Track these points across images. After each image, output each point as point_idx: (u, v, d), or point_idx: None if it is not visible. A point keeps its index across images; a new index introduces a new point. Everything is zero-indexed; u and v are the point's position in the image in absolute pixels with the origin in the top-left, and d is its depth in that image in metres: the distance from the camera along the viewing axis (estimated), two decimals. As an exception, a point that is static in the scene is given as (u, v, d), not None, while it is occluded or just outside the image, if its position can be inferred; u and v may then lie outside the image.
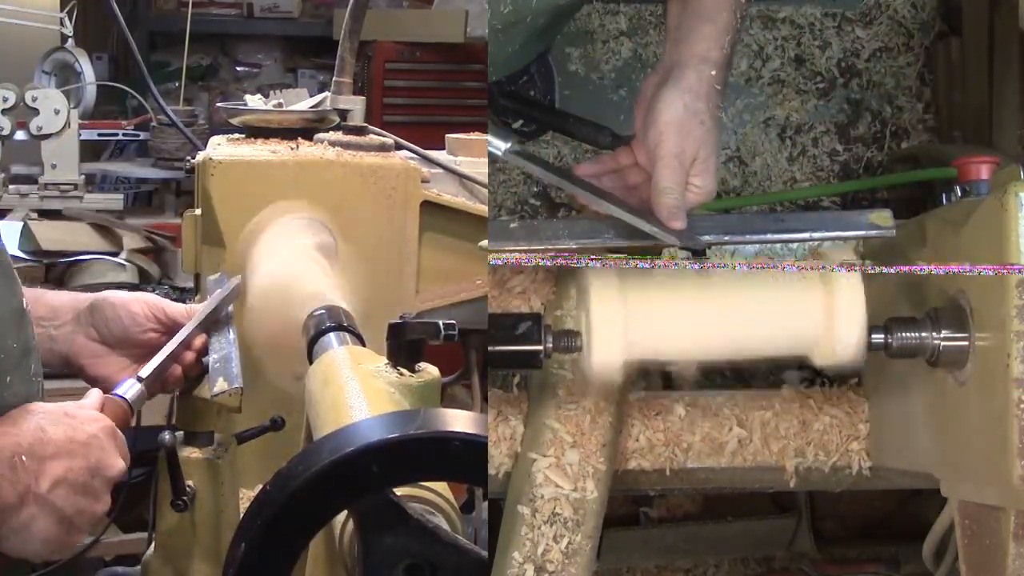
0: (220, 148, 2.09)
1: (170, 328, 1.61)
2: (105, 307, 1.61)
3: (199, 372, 1.61)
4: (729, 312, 1.47)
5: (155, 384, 1.49)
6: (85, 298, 1.63)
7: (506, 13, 1.52)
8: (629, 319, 1.43)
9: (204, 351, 1.59)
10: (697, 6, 1.49)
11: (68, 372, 1.60)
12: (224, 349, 1.52)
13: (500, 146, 1.52)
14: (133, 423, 1.45)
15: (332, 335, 1.60)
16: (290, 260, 1.91)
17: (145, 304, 1.62)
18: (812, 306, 1.45)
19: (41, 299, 1.57)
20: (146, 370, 1.48)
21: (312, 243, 1.97)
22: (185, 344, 1.57)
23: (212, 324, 1.63)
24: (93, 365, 1.59)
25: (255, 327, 1.80)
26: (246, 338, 1.75)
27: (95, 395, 1.41)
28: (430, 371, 1.50)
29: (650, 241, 1.49)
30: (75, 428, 1.28)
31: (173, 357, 1.54)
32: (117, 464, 1.32)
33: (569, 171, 1.53)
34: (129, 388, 1.45)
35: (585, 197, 1.49)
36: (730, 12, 1.48)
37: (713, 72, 1.46)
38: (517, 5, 1.52)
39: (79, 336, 1.60)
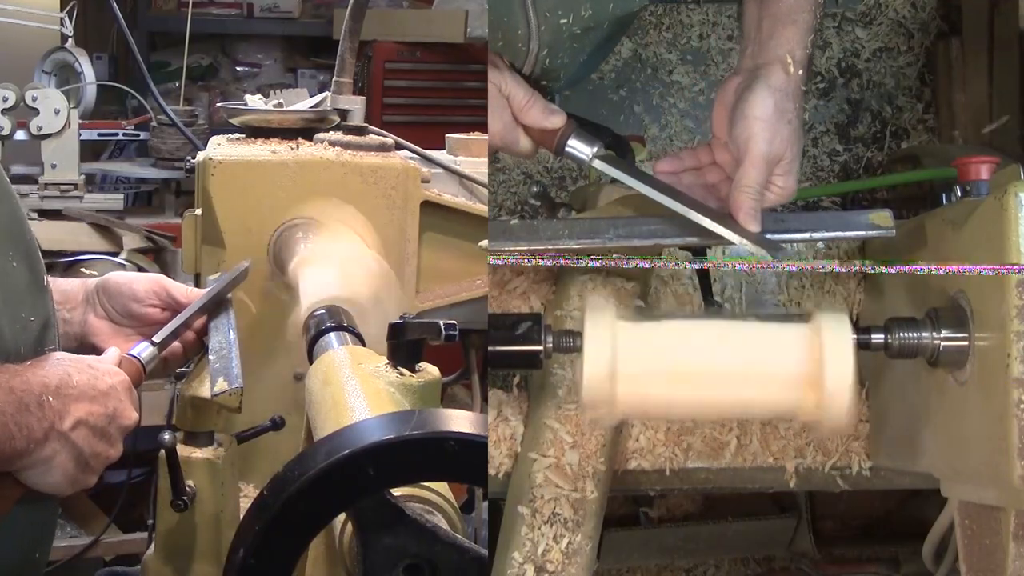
0: (220, 148, 2.09)
1: (172, 306, 1.67)
2: (110, 286, 1.67)
3: (199, 351, 1.64)
4: (718, 381, 1.42)
5: (165, 350, 1.57)
6: (93, 281, 1.69)
7: (586, 17, 1.52)
8: (622, 376, 1.40)
9: (204, 331, 1.63)
10: (777, 8, 1.49)
11: (83, 351, 1.62)
12: (224, 349, 1.52)
13: (587, 152, 1.54)
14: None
15: (332, 335, 1.60)
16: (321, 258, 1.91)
17: (149, 282, 1.68)
18: (800, 375, 1.40)
19: (53, 285, 1.61)
20: (160, 335, 1.56)
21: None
22: (187, 323, 1.62)
23: (214, 307, 1.66)
24: (104, 342, 1.64)
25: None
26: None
27: (114, 353, 1.48)
28: (430, 371, 1.50)
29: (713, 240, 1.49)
30: (96, 377, 1.37)
31: (179, 331, 1.60)
32: (132, 415, 1.41)
33: (650, 175, 1.54)
34: (143, 350, 1.52)
35: (663, 200, 1.50)
36: (810, 12, 1.48)
37: (800, 72, 1.47)
38: (596, 10, 1.51)
39: (90, 316, 1.67)
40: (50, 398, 1.31)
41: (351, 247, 1.98)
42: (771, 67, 1.47)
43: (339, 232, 2.00)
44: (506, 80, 1.53)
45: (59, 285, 1.66)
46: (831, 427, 1.40)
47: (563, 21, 1.52)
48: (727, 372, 1.41)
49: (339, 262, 1.91)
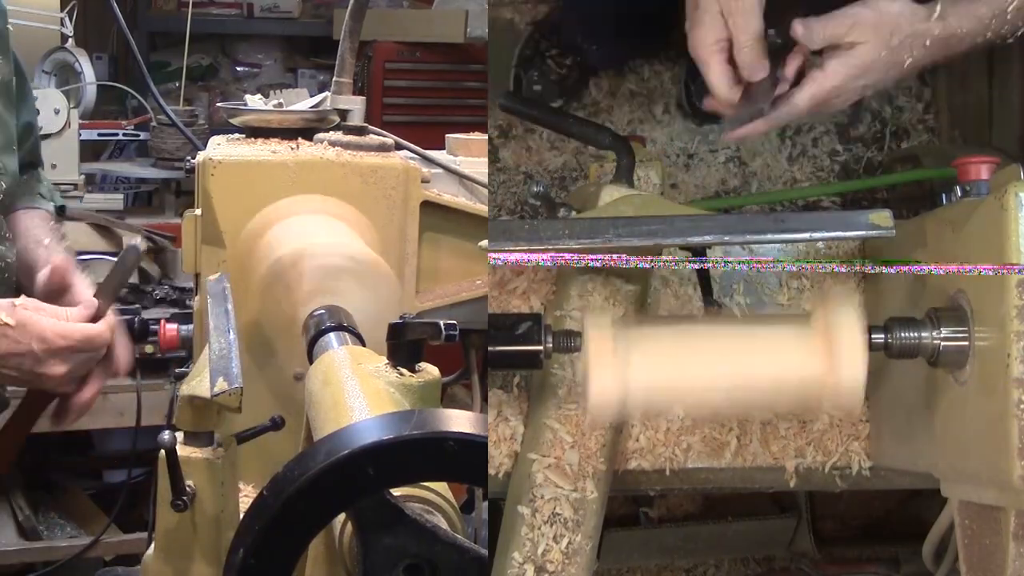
0: (220, 148, 2.09)
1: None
2: None
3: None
4: (727, 370, 1.43)
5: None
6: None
7: None
8: (626, 372, 1.40)
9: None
10: None
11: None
12: (224, 349, 1.52)
13: None
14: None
15: (332, 335, 1.60)
16: (295, 235, 1.94)
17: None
18: (813, 372, 1.41)
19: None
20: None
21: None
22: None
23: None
24: None
25: (267, 316, 1.82)
26: (258, 329, 1.79)
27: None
28: (430, 371, 1.50)
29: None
30: (16, 342, 1.58)
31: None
32: (56, 369, 1.61)
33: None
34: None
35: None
36: (991, 12, 1.49)
37: (936, 30, 1.48)
38: None
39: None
40: None
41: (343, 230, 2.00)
42: (917, 6, 1.49)
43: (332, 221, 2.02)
44: None
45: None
46: (842, 419, 1.41)
47: None
48: (739, 374, 1.42)
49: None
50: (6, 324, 1.58)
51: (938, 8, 1.48)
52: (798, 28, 1.49)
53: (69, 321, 1.63)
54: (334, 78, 2.15)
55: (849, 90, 1.53)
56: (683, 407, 1.56)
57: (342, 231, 1.98)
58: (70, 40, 3.40)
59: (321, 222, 1.99)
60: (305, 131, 2.18)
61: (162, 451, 1.47)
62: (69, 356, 1.62)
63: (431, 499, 1.14)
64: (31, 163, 2.08)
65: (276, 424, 1.62)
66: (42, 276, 1.74)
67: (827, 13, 1.51)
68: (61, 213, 2.12)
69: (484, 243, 1.54)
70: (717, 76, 1.51)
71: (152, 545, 1.59)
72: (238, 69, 4.89)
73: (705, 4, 1.49)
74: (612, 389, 1.39)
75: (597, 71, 2.29)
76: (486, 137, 2.20)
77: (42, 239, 1.91)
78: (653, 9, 2.02)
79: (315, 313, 1.70)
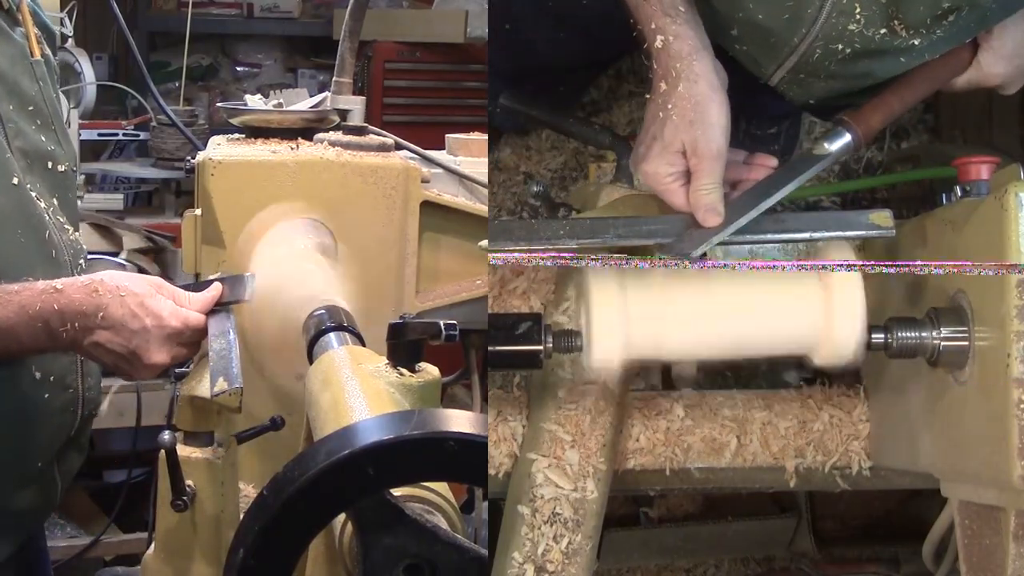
0: (220, 148, 2.09)
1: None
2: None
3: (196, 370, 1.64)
4: (728, 311, 1.47)
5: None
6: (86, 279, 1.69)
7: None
8: (629, 317, 1.43)
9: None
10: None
11: None
12: (224, 349, 1.52)
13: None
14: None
15: (332, 335, 1.60)
16: (287, 262, 1.92)
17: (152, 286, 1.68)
18: (811, 305, 1.45)
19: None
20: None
21: (312, 244, 1.97)
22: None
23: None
24: None
25: (254, 329, 1.81)
26: (246, 339, 1.76)
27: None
28: (430, 371, 1.50)
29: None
30: (135, 316, 1.54)
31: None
32: (153, 358, 1.55)
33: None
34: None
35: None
36: None
37: None
38: None
39: None
40: (75, 324, 1.53)
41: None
42: None
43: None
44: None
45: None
46: (843, 363, 1.43)
47: None
48: (741, 308, 1.43)
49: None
50: (128, 289, 1.54)
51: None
52: None
53: (190, 307, 1.59)
54: (334, 78, 2.15)
55: None
56: (684, 352, 1.55)
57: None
58: (70, 40, 3.39)
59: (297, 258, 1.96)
60: (305, 131, 2.18)
61: (162, 451, 1.47)
62: (176, 342, 1.57)
63: (431, 499, 1.14)
64: None
65: (276, 424, 1.62)
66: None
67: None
68: None
69: (484, 243, 1.54)
70: (683, 205, 1.50)
71: (152, 545, 1.59)
72: (238, 69, 4.89)
73: (668, 141, 1.47)
74: (615, 336, 1.40)
75: (500, 133, 2.29)
76: (486, 137, 2.20)
77: None
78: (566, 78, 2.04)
79: (315, 313, 1.70)
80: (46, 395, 1.67)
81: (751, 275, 1.45)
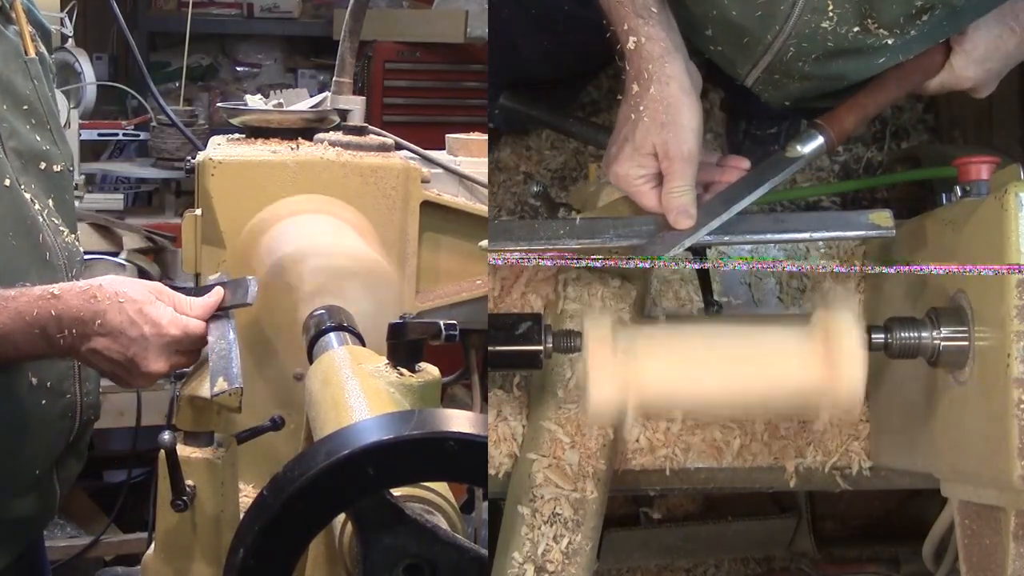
0: (220, 148, 2.09)
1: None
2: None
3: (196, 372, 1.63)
4: (727, 372, 1.44)
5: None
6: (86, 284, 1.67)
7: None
8: (626, 373, 1.41)
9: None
10: None
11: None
12: (224, 349, 1.52)
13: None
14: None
15: (332, 335, 1.60)
16: (294, 238, 1.93)
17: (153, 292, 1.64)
18: (811, 369, 1.42)
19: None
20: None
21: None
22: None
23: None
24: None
25: (267, 313, 1.81)
26: (259, 327, 1.78)
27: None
28: (430, 371, 1.50)
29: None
30: (133, 323, 1.51)
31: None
32: (151, 366, 1.53)
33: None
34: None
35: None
36: None
37: None
38: None
39: None
40: (72, 331, 1.50)
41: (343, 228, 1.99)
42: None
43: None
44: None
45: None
46: (841, 423, 1.42)
47: None
48: (739, 379, 1.42)
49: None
50: (127, 295, 1.52)
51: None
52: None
53: (191, 313, 1.57)
54: (334, 78, 2.15)
55: None
56: (682, 410, 1.56)
57: (344, 231, 1.98)
58: (70, 40, 3.39)
59: (322, 222, 1.99)
60: (305, 131, 2.19)
61: (162, 451, 1.47)
62: (175, 350, 1.54)
63: (431, 499, 1.14)
64: None
65: (276, 424, 1.63)
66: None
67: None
68: None
69: (484, 243, 1.54)
70: (654, 207, 1.50)
71: (152, 545, 1.59)
72: (238, 69, 4.89)
73: (639, 143, 1.46)
74: (612, 391, 1.40)
75: (500, 134, 2.29)
76: (486, 137, 2.20)
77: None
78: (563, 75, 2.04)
79: (315, 313, 1.70)
80: (43, 401, 1.65)
81: (751, 331, 1.45)
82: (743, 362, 1.43)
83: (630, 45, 1.46)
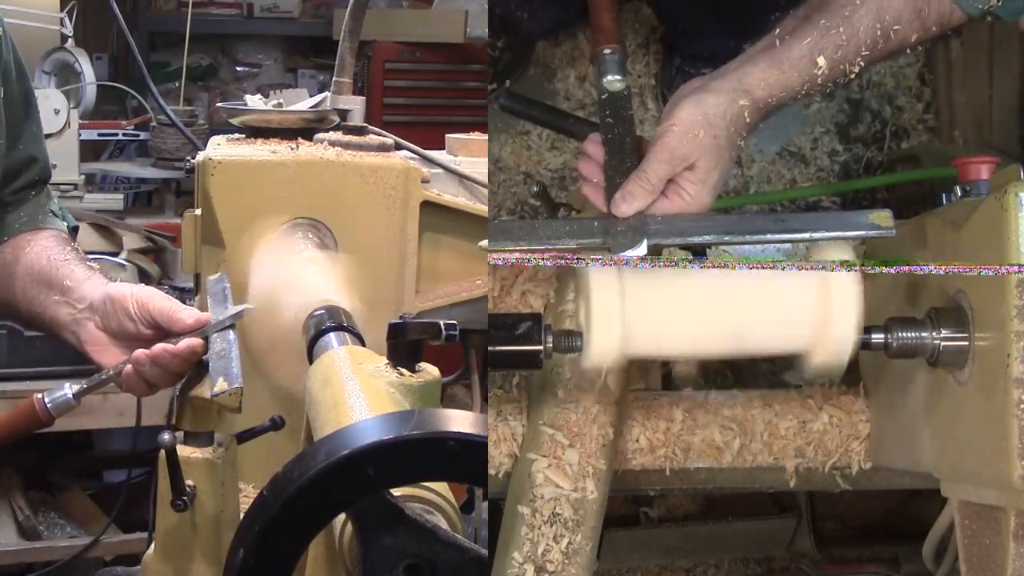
0: (220, 148, 2.09)
1: (159, 326, 1.64)
2: (107, 303, 1.67)
3: (196, 373, 1.62)
4: (726, 310, 1.47)
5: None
6: (102, 289, 1.70)
7: None
8: (627, 314, 1.43)
9: (204, 351, 1.59)
10: (778, 53, 1.47)
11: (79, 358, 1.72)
12: (224, 349, 1.52)
13: None
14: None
15: (332, 335, 1.60)
16: (285, 266, 1.91)
17: (136, 303, 1.65)
18: (808, 303, 1.44)
19: (77, 282, 1.71)
20: (80, 391, 1.61)
21: (312, 245, 1.97)
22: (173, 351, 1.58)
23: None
24: (96, 352, 1.67)
25: (253, 332, 1.80)
26: (245, 342, 1.75)
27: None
28: (430, 371, 1.50)
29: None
30: None
31: (101, 383, 1.63)
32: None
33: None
34: (57, 396, 1.59)
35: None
36: (801, 77, 1.46)
37: (745, 103, 1.45)
38: None
39: (89, 324, 1.68)
40: None
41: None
42: (722, 84, 1.46)
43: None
44: None
45: (82, 287, 1.70)
46: (833, 367, 1.43)
47: None
48: (739, 308, 1.44)
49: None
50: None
51: (744, 100, 1.46)
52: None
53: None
54: (334, 78, 2.15)
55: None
56: (681, 349, 1.55)
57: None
58: (70, 40, 3.39)
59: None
60: (305, 131, 2.19)
61: (162, 451, 1.47)
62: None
63: (431, 499, 1.14)
64: (40, 180, 1.95)
65: (276, 424, 1.63)
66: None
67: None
68: (73, 234, 1.99)
69: (484, 243, 1.54)
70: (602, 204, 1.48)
71: (152, 545, 1.59)
72: (238, 69, 4.89)
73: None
74: (613, 330, 1.40)
75: (532, 42, 2.29)
76: (486, 137, 2.20)
77: (68, 258, 1.79)
78: None
79: (315, 313, 1.69)
80: None
81: (748, 274, 1.45)
82: (740, 303, 1.45)
83: None
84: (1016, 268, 1.29)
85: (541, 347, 1.46)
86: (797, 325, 1.45)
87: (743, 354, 1.57)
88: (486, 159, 2.15)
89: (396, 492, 1.09)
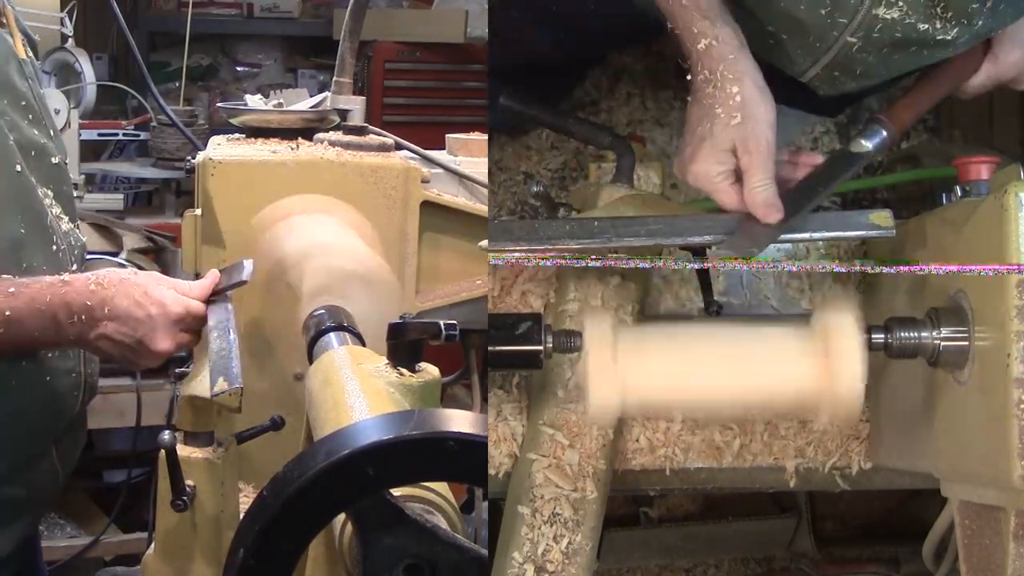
0: (220, 148, 2.10)
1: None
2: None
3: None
4: (727, 373, 1.44)
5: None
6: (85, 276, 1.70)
7: None
8: (624, 373, 1.41)
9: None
10: None
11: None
12: (224, 349, 1.52)
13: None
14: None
15: (332, 335, 1.60)
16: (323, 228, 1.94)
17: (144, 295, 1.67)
18: (811, 371, 1.41)
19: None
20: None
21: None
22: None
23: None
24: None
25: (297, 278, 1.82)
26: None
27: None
28: (430, 371, 1.50)
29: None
30: (140, 306, 1.58)
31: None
32: (159, 345, 1.59)
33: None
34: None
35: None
36: None
37: None
38: None
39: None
40: (82, 317, 1.56)
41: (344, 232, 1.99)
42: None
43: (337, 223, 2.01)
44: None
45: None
46: (841, 424, 1.41)
47: None
48: (738, 380, 1.42)
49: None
50: (130, 281, 1.58)
51: None
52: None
53: (190, 294, 1.63)
54: (334, 78, 2.15)
55: None
56: (682, 411, 1.56)
57: (345, 232, 1.98)
58: (70, 40, 3.39)
59: (323, 222, 1.99)
60: (305, 131, 2.19)
61: (162, 451, 1.48)
62: (180, 328, 1.60)
63: (431, 499, 1.14)
64: None
65: (276, 424, 1.63)
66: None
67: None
68: None
69: (484, 243, 1.54)
70: (734, 203, 1.50)
71: (152, 545, 1.60)
72: (238, 69, 4.88)
73: (718, 140, 1.47)
74: (612, 392, 1.39)
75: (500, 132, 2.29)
76: (486, 137, 2.20)
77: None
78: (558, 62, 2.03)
79: (315, 313, 1.70)
80: (48, 379, 1.69)
81: (751, 332, 1.45)
82: (742, 363, 1.43)
83: (701, 47, 1.48)
84: (1016, 268, 1.29)
85: (541, 347, 1.46)
86: (801, 395, 1.43)
87: (744, 414, 1.59)
88: (486, 159, 2.15)
89: (396, 492, 1.09)
